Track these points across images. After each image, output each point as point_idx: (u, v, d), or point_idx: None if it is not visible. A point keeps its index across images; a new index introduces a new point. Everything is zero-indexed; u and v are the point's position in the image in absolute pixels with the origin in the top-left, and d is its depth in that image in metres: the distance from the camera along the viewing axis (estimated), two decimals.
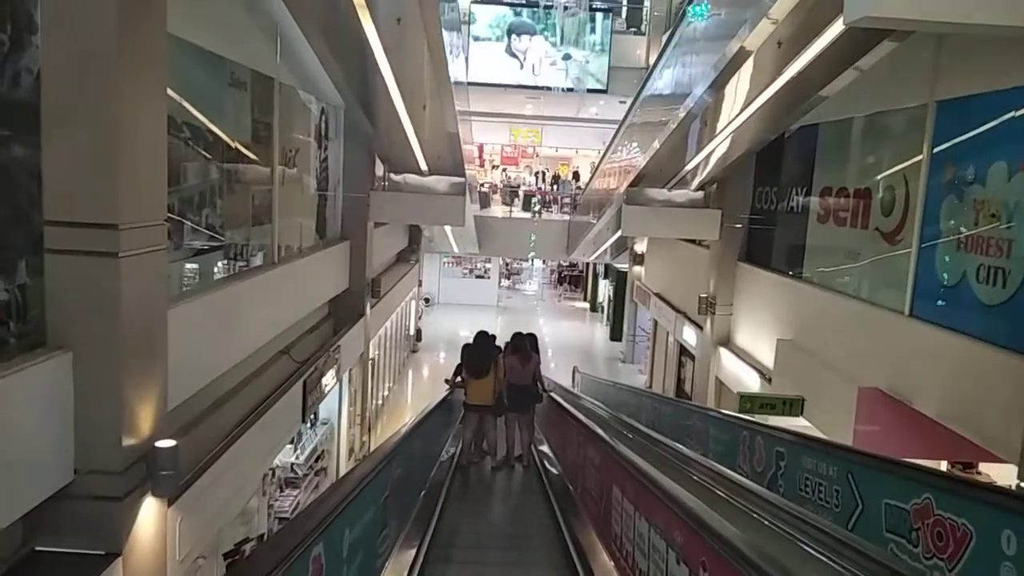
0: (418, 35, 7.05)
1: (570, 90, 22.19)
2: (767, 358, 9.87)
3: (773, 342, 9.43)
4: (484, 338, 9.17)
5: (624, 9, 23.29)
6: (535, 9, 22.19)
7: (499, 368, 8.89)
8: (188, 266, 6.13)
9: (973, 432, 5.70)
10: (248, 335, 6.84)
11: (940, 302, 6.44)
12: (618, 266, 24.24)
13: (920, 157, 6.77)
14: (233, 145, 6.74)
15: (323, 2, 6.50)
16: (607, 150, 17.06)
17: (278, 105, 7.74)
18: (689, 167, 11.22)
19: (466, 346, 9.16)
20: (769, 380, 9.57)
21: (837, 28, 5.49)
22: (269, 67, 7.47)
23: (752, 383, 10.12)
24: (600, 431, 6.34)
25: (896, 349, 6.92)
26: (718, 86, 7.70)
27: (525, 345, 9.02)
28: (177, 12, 4.48)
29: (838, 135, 8.62)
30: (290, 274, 8.25)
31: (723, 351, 11.70)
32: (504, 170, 30.56)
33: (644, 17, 22.54)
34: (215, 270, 6.72)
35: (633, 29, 22.81)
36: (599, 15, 22.03)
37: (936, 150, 6.56)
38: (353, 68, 8.06)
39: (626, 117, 14.04)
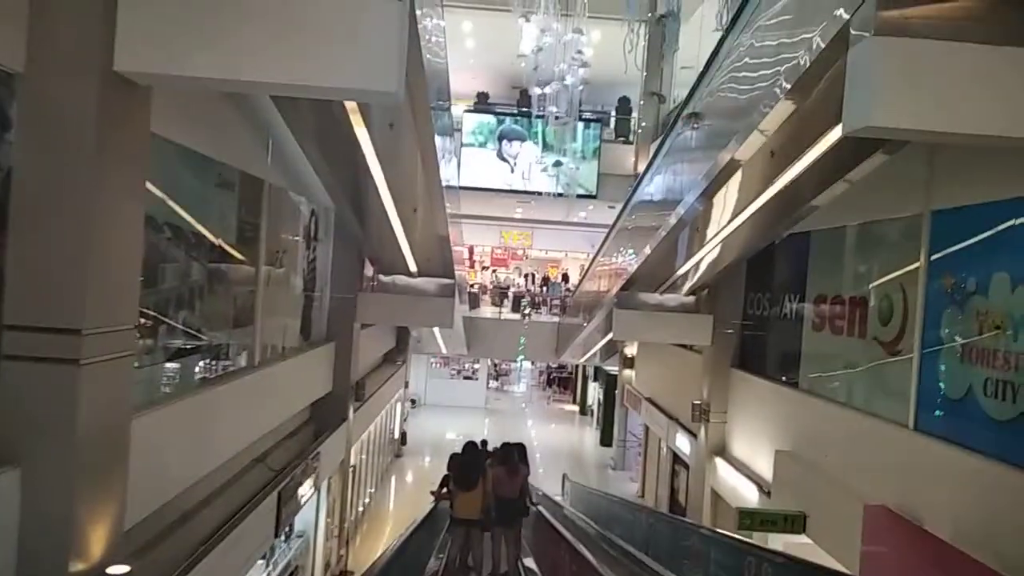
0: (411, 140, 7.05)
1: (560, 195, 22.54)
2: (765, 469, 9.50)
3: (770, 453, 9.08)
4: (473, 449, 8.82)
5: (612, 120, 23.99)
6: (517, 119, 22.81)
7: (487, 481, 8.50)
8: (168, 366, 5.85)
9: (990, 557, 5.34)
10: (222, 443, 6.50)
11: (946, 416, 6.18)
12: (608, 369, 23.95)
13: (917, 265, 6.67)
14: (217, 245, 6.58)
15: (315, 107, 6.50)
16: (597, 253, 17.10)
17: (266, 206, 7.65)
18: (680, 272, 11.15)
19: (454, 456, 8.78)
20: (768, 493, 9.16)
21: (833, 137, 5.47)
22: (258, 168, 7.41)
23: (750, 496, 9.70)
24: (590, 557, 5.94)
25: (902, 464, 6.61)
26: (708, 195, 7.67)
27: (513, 456, 8.68)
28: (163, 112, 4.39)
29: (831, 243, 8.56)
30: (271, 377, 7.95)
31: (719, 461, 11.30)
32: (494, 271, 30.67)
33: (632, 127, 23.14)
34: (194, 372, 6.43)
35: (621, 139, 23.41)
36: (580, 125, 22.62)
37: (933, 259, 6.47)
38: (344, 171, 8.03)
39: (616, 222, 14.11)
